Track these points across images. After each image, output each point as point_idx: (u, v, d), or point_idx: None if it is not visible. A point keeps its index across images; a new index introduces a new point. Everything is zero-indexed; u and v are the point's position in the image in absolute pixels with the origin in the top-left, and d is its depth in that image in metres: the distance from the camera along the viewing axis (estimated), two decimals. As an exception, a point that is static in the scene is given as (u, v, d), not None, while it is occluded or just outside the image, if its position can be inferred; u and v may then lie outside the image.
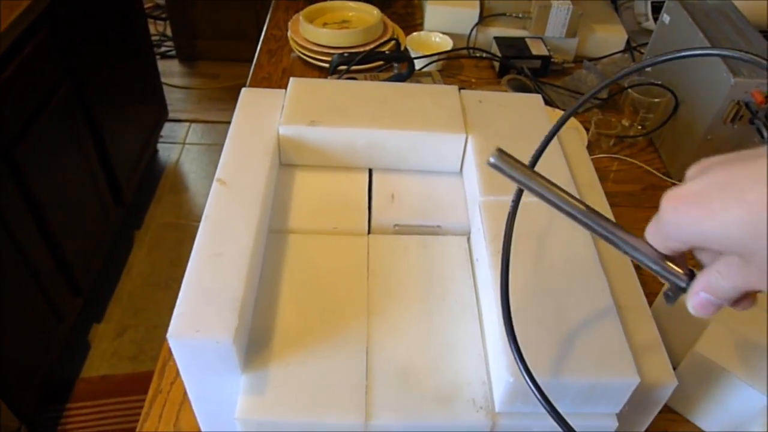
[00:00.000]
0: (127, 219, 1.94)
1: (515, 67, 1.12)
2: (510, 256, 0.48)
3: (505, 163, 0.39)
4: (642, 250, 0.39)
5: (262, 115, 0.68)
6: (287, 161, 0.69)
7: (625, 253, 0.39)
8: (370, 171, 0.69)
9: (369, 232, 0.63)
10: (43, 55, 1.42)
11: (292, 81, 0.73)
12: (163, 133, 2.30)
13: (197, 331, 0.47)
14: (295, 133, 0.66)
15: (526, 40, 1.18)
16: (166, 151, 2.33)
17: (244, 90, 0.72)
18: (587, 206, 0.40)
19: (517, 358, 0.44)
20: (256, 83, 1.14)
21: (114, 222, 1.85)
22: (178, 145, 2.37)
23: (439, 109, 0.70)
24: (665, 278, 0.39)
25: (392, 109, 0.69)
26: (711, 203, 0.31)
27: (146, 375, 1.66)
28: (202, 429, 0.58)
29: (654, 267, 0.39)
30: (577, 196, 0.41)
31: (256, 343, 0.53)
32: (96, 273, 1.73)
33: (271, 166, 0.63)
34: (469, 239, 0.63)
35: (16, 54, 1.30)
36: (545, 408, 0.43)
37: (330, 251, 0.61)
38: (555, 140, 0.64)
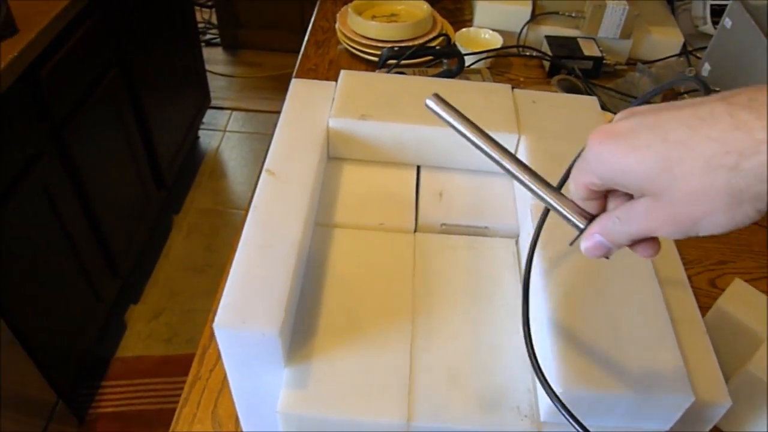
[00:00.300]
0: (166, 203, 1.97)
1: (566, 67, 1.10)
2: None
3: (440, 106, 0.45)
4: (548, 191, 0.41)
5: (312, 107, 0.68)
6: (335, 154, 0.68)
7: (535, 194, 0.42)
8: (419, 168, 0.68)
9: (415, 230, 0.62)
10: (94, 39, 1.44)
11: (344, 74, 0.72)
12: (204, 119, 2.32)
13: (243, 322, 0.47)
14: (344, 126, 0.66)
15: (578, 40, 1.15)
16: (207, 138, 2.35)
17: (294, 80, 0.72)
18: (507, 151, 0.43)
19: (537, 369, 0.43)
20: (303, 74, 1.14)
21: (154, 205, 1.88)
22: (219, 132, 2.39)
23: (491, 108, 0.69)
24: (565, 219, 0.41)
25: (444, 105, 0.68)
26: (635, 140, 0.32)
27: (180, 358, 1.68)
28: (242, 420, 0.58)
29: (557, 207, 0.41)
30: (504, 146, 0.44)
31: (300, 336, 0.52)
32: (135, 255, 1.76)
33: (320, 158, 0.63)
34: (517, 242, 0.62)
35: (68, 38, 1.33)
36: (572, 425, 0.42)
37: (375, 247, 0.60)
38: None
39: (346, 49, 1.17)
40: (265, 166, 0.61)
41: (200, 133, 2.34)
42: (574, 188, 0.38)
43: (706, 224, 0.30)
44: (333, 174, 0.67)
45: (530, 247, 0.51)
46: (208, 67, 2.31)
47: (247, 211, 0.56)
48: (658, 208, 0.32)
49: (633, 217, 0.34)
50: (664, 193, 0.31)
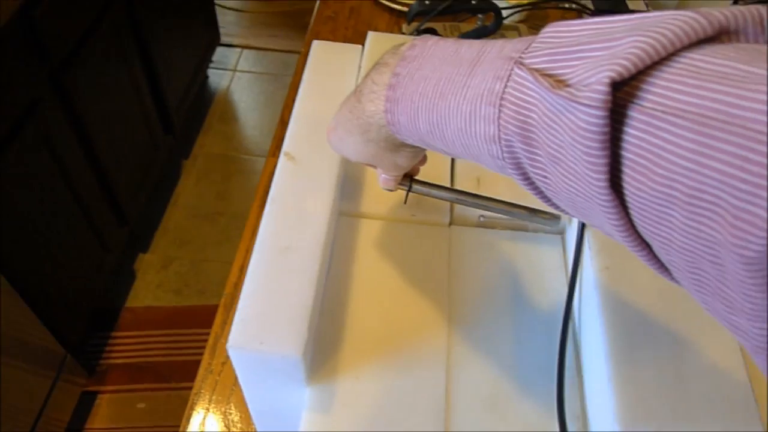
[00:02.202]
0: (175, 147, 1.90)
1: (608, 20, 1.00)
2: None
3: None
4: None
5: (336, 76, 0.60)
6: (361, 131, 0.61)
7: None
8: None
9: (450, 223, 0.56)
10: (95, -27, 1.34)
11: (371, 36, 0.64)
12: (213, 58, 2.21)
13: (261, 343, 0.41)
14: (372, 100, 0.58)
15: (622, -10, 1.05)
16: (216, 78, 2.25)
17: (315, 43, 0.64)
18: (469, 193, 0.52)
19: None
20: (321, 23, 1.04)
21: (162, 150, 1.80)
22: (229, 71, 2.28)
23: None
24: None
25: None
26: (336, 133, 0.43)
27: (190, 309, 1.65)
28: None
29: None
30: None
31: (324, 350, 0.47)
32: (143, 202, 1.70)
33: (345, 139, 0.56)
34: (563, 238, 0.56)
35: (66, -27, 1.23)
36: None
37: (406, 242, 0.54)
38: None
39: (369, -5, 1.07)
40: (284, 149, 0.54)
41: (209, 72, 2.24)
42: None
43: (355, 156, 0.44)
44: (358, 154, 0.60)
45: (573, 264, 0.45)
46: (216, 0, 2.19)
47: (269, 163, 0.52)
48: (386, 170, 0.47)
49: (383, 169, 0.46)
50: (374, 164, 0.45)
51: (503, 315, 0.50)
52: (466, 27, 0.84)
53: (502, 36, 0.84)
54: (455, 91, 0.32)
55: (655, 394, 0.41)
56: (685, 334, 0.44)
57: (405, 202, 0.54)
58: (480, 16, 0.83)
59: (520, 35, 0.85)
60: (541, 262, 0.54)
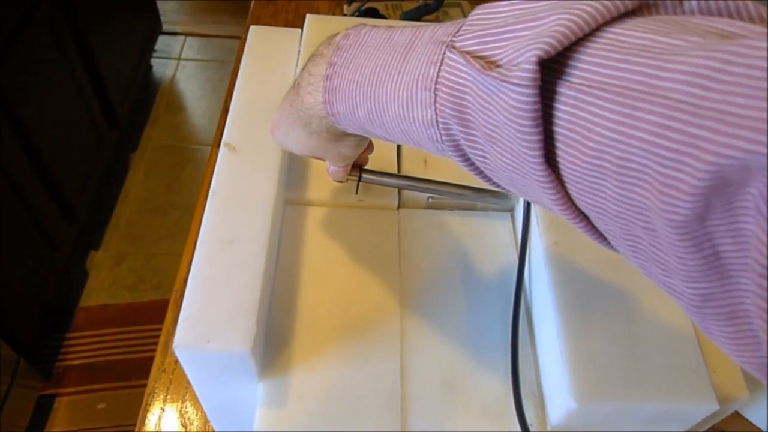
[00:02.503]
0: (121, 141, 1.84)
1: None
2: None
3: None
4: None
5: (275, 62, 0.58)
6: (304, 116, 0.60)
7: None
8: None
9: (399, 206, 0.55)
10: (22, -37, 1.28)
11: (309, 19, 0.63)
12: (156, 47, 2.15)
13: (208, 341, 0.40)
14: (314, 85, 0.57)
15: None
16: (160, 67, 2.19)
17: (252, 29, 0.62)
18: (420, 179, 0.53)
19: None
20: (261, 8, 1.02)
21: (108, 144, 1.75)
22: (173, 60, 2.22)
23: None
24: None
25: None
26: (279, 128, 0.43)
27: (146, 305, 1.62)
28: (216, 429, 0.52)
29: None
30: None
31: (275, 343, 0.46)
32: (91, 198, 1.65)
33: (288, 126, 0.54)
34: (513, 215, 0.56)
35: (-10, -37, 1.17)
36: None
37: (355, 228, 0.53)
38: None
39: (309, -24, 1.04)
40: (224, 139, 0.52)
41: (153, 62, 2.17)
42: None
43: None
44: (303, 140, 0.59)
45: (521, 241, 0.45)
46: (156, -14, 2.12)
47: (212, 152, 0.50)
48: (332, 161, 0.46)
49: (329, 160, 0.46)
50: (318, 156, 0.45)
51: (456, 296, 0.50)
52: (408, 5, 0.83)
53: (445, 13, 0.84)
54: (391, 77, 0.32)
55: (608, 367, 0.41)
56: (636, 306, 0.45)
57: (356, 192, 0.53)
58: (422, -7, 0.82)
59: (462, 12, 0.85)
60: (492, 241, 0.53)
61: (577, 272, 0.46)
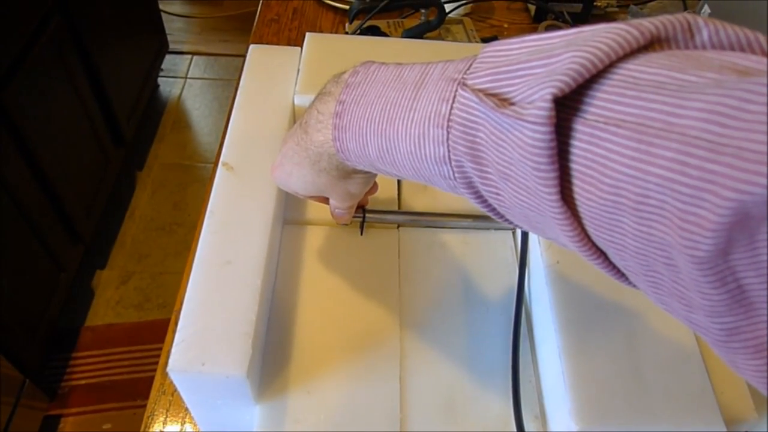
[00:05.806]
0: (127, 160, 1.85)
1: (553, 11, 1.00)
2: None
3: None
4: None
5: (274, 81, 0.58)
6: (304, 135, 0.60)
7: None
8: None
9: (399, 225, 0.55)
10: (29, -15, 1.29)
11: (309, 37, 0.63)
12: (163, 66, 2.17)
13: (203, 364, 0.40)
14: (313, 103, 0.57)
15: (565, -22, 1.05)
16: (167, 86, 2.20)
17: (252, 48, 0.62)
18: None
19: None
20: (264, 27, 1.02)
21: (114, 163, 1.76)
22: (180, 79, 2.23)
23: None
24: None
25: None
26: (283, 168, 0.43)
27: (152, 324, 1.61)
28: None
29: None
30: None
31: (272, 365, 0.45)
32: (97, 218, 1.65)
33: (286, 145, 0.54)
34: (514, 234, 0.55)
35: (-3, -14, 1.18)
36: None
37: (355, 247, 0.53)
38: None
39: (311, -5, 1.05)
40: (222, 159, 0.52)
41: (159, 81, 2.19)
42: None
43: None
44: (302, 159, 0.58)
45: (520, 261, 0.44)
46: (162, 6, 2.14)
47: (214, 171, 0.49)
48: (337, 199, 0.45)
49: (335, 200, 0.45)
50: (324, 194, 0.44)
51: (457, 316, 0.49)
52: (410, 23, 0.83)
53: (447, 30, 0.83)
54: (402, 115, 0.32)
55: (611, 389, 0.40)
56: (639, 325, 0.44)
57: (361, 234, 0.53)
58: (423, 11, 0.82)
59: (465, 29, 0.85)
60: (494, 260, 0.53)
61: (579, 292, 0.45)
